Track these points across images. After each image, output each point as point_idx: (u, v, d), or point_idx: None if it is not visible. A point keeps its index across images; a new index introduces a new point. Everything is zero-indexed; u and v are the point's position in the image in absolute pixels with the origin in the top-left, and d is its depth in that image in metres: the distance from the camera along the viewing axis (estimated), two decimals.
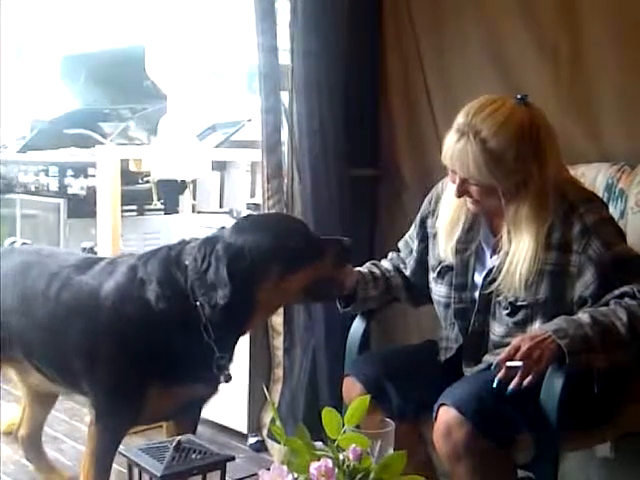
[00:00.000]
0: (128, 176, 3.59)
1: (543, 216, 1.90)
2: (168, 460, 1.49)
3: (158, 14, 4.68)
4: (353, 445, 1.39)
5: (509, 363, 1.76)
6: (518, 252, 1.91)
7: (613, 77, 2.44)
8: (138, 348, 2.04)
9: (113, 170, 3.20)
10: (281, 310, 2.91)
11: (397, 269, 2.27)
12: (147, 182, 3.94)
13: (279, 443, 1.44)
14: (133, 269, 2.10)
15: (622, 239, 1.94)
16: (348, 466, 1.38)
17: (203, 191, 4.26)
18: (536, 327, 1.91)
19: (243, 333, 2.13)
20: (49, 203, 4.00)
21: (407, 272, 2.25)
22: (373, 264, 2.28)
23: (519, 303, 1.94)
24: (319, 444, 1.45)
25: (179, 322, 2.02)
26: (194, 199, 4.18)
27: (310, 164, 2.83)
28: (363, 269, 2.24)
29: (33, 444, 2.71)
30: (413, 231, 2.25)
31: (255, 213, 2.94)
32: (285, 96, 2.89)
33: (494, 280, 1.96)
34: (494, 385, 1.77)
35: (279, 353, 2.98)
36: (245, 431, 3.09)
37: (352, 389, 2.07)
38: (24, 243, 3.89)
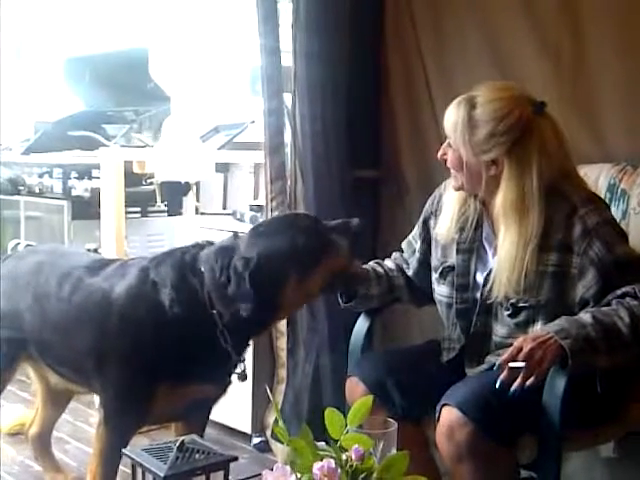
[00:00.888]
0: (132, 178, 3.60)
1: (524, 216, 1.89)
2: (172, 460, 1.49)
3: (162, 16, 4.70)
4: (356, 445, 1.39)
5: (511, 364, 1.76)
6: (503, 253, 1.92)
7: (615, 77, 2.44)
8: (150, 350, 2.05)
9: (117, 172, 3.20)
10: None
11: (400, 269, 2.28)
12: (151, 184, 3.95)
13: (283, 443, 1.44)
14: (145, 271, 2.10)
15: (623, 240, 1.94)
16: (351, 466, 1.38)
17: (206, 193, 4.26)
18: (538, 328, 1.91)
19: (260, 335, 2.15)
20: (53, 205, 4.01)
21: (410, 272, 2.26)
22: (377, 263, 2.29)
23: (520, 304, 1.94)
24: (322, 444, 1.46)
25: (193, 327, 2.03)
26: (197, 201, 4.19)
27: (313, 166, 2.84)
28: (366, 267, 2.25)
29: (42, 444, 2.73)
30: (416, 231, 2.26)
31: (263, 218, 2.93)
32: (288, 98, 2.89)
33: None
34: (497, 386, 1.77)
35: (283, 354, 2.98)
36: (249, 431, 3.10)
37: (355, 389, 2.08)
38: (28, 245, 3.91)
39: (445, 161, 2.01)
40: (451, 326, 2.12)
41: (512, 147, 1.90)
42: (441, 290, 2.13)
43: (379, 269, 2.26)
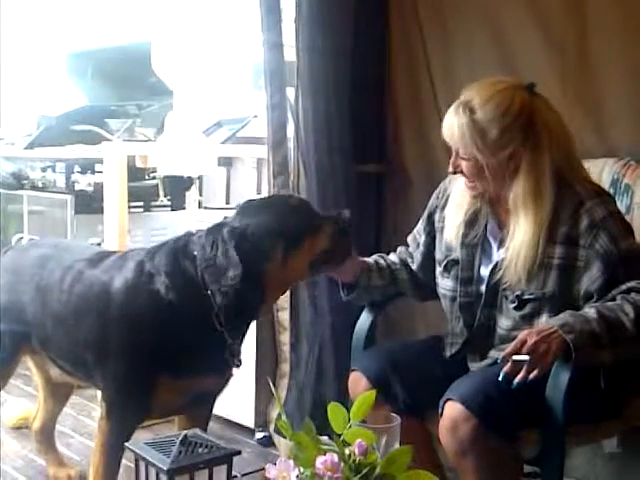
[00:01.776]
0: (135, 172, 3.59)
1: (540, 204, 1.90)
2: (175, 454, 1.49)
3: (164, 10, 4.68)
4: (359, 440, 1.39)
5: (515, 357, 1.76)
6: (518, 241, 1.91)
7: (620, 73, 2.44)
8: (148, 341, 2.06)
9: (120, 166, 3.20)
10: (287, 305, 2.92)
11: (404, 263, 2.28)
12: (154, 178, 3.94)
13: (286, 438, 1.44)
14: (140, 264, 2.11)
15: (630, 234, 1.93)
16: (354, 461, 1.38)
17: (209, 187, 4.26)
18: (543, 321, 1.91)
19: (254, 318, 2.15)
20: (56, 199, 4.00)
21: (414, 266, 2.25)
22: (380, 256, 2.29)
23: (526, 296, 1.94)
24: (325, 439, 1.46)
25: (190, 312, 2.04)
26: (200, 195, 4.18)
27: (316, 160, 2.83)
28: (369, 259, 2.25)
29: (46, 438, 2.74)
30: (420, 226, 2.26)
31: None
32: (291, 92, 2.89)
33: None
34: (500, 378, 1.78)
35: (285, 348, 2.99)
36: (252, 426, 3.10)
37: (358, 384, 2.08)
38: (31, 239, 3.91)
39: (455, 168, 1.99)
40: (454, 320, 2.12)
41: (524, 135, 1.90)
42: (445, 284, 2.12)
43: (381, 262, 2.26)
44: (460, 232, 2.07)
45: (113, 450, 2.13)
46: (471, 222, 2.07)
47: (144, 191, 3.92)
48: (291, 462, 1.38)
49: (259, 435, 3.07)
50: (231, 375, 2.17)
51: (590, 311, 1.81)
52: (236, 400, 2.94)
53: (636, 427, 2.12)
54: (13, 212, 4.33)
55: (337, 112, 2.85)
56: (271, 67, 2.82)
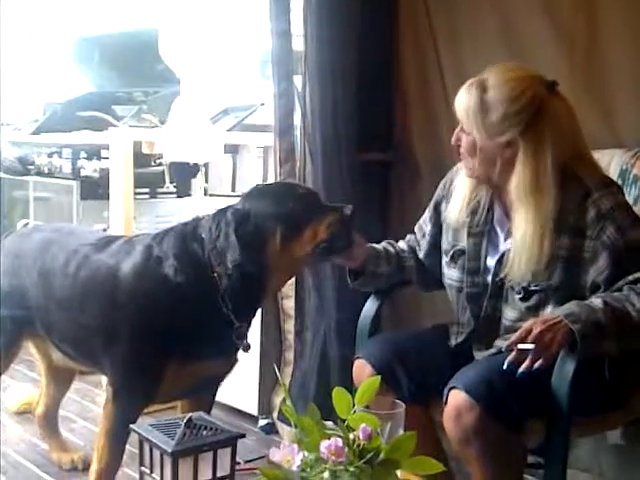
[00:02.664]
0: (141, 159, 3.59)
1: (541, 197, 1.88)
2: (179, 436, 1.49)
3: None
4: (363, 425, 1.39)
5: (520, 345, 1.76)
6: (521, 234, 1.91)
7: (628, 63, 2.42)
8: (158, 324, 2.06)
9: (126, 153, 3.19)
10: (292, 293, 2.91)
11: (412, 250, 2.27)
12: (160, 165, 3.95)
13: (289, 425, 1.44)
14: (148, 248, 2.12)
15: (637, 225, 1.91)
16: (358, 445, 1.38)
17: (215, 174, 4.26)
18: (548, 312, 1.90)
19: (259, 301, 2.16)
20: (62, 185, 4.01)
21: (420, 255, 2.25)
22: (389, 243, 2.29)
23: (532, 288, 1.94)
24: (329, 424, 1.46)
25: (197, 295, 2.05)
26: (206, 182, 4.19)
27: (322, 148, 2.83)
28: (378, 246, 2.25)
29: (49, 423, 2.74)
30: (427, 215, 2.25)
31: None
32: (298, 80, 2.88)
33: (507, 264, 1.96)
34: (505, 367, 1.77)
35: (290, 336, 2.99)
36: (255, 413, 3.11)
37: (363, 371, 2.08)
38: (36, 225, 3.91)
39: (459, 147, 1.99)
40: (461, 310, 2.11)
41: (526, 128, 1.88)
42: (451, 274, 2.12)
43: (390, 248, 2.26)
44: (467, 222, 2.07)
45: (118, 434, 2.13)
46: (478, 212, 2.06)
47: (150, 178, 3.92)
48: (295, 446, 1.38)
49: (262, 422, 3.07)
50: (236, 360, 2.17)
51: (596, 301, 1.80)
52: (240, 387, 2.94)
53: None
54: (19, 198, 4.34)
55: (344, 100, 2.84)
56: (279, 55, 2.81)
